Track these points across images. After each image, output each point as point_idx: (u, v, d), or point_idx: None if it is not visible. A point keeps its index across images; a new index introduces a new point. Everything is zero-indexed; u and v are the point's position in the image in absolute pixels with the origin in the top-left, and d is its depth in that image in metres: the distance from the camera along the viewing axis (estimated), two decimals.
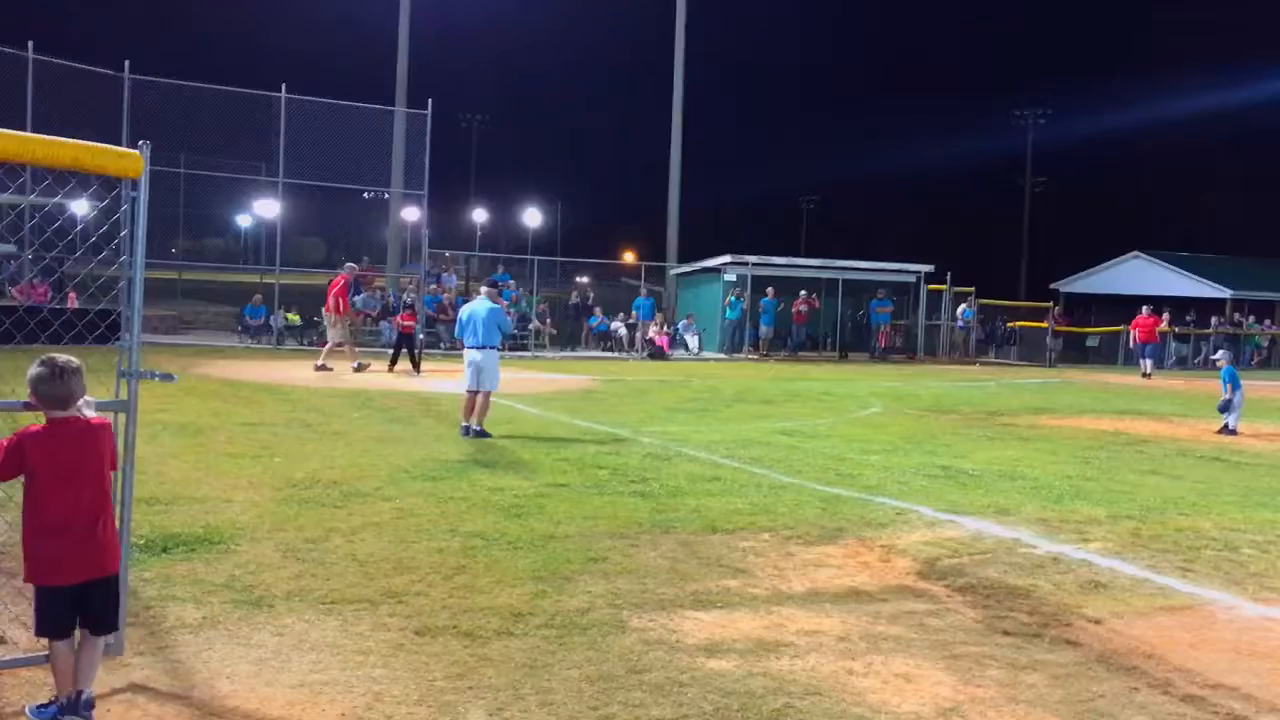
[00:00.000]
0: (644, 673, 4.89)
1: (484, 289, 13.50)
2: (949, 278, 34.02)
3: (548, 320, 31.08)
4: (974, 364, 32.32)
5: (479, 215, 75.92)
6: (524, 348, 28.69)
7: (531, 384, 19.28)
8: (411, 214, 35.84)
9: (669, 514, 8.36)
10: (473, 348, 12.55)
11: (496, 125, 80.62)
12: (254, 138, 27.75)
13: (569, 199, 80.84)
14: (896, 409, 17.43)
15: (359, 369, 19.61)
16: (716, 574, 6.69)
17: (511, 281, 31.02)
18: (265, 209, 33.74)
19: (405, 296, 27.24)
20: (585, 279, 42.44)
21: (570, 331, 31.95)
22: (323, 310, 21.58)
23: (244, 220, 46.18)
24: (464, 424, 12.30)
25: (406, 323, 21.53)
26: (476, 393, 12.33)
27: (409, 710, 4.38)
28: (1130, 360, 31.90)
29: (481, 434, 12.04)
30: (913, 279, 33.96)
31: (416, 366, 20.29)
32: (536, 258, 34.57)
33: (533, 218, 74.91)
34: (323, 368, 19.62)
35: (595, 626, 5.53)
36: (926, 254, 35.01)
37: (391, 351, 21.42)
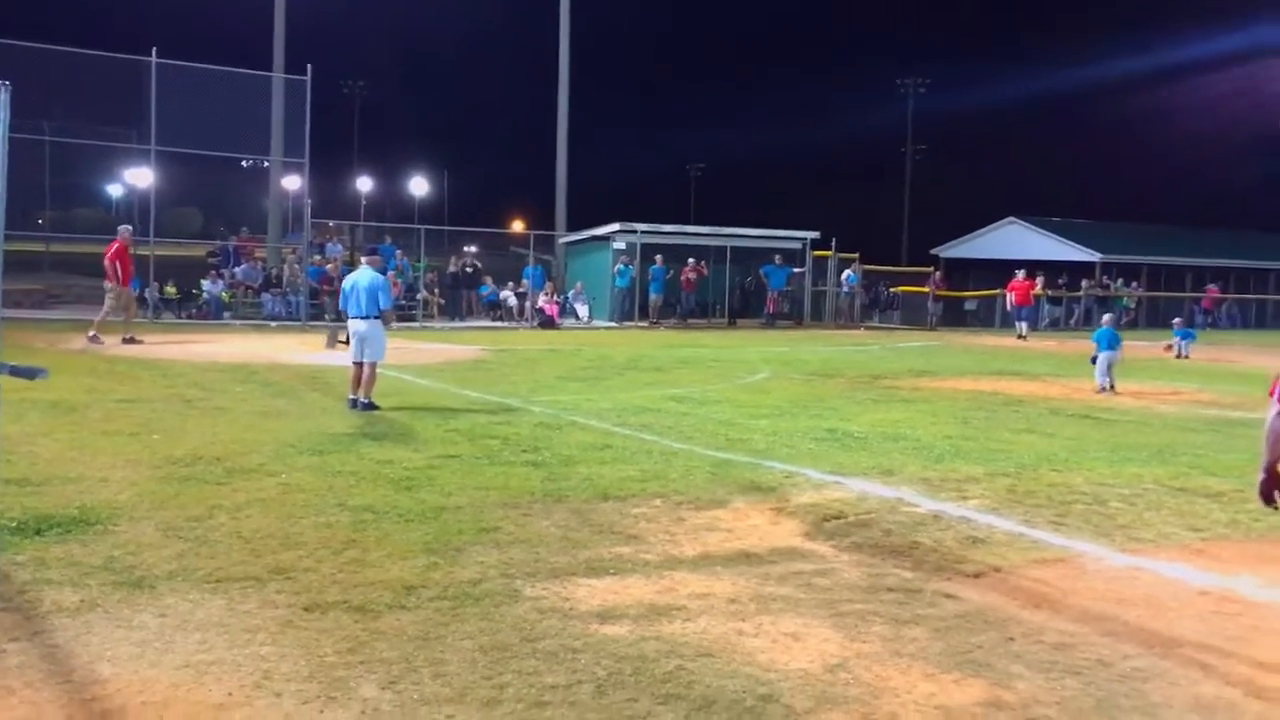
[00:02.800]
0: (537, 641, 4.91)
1: (365, 258, 13.25)
2: (834, 244, 34.59)
3: (436, 290, 30.72)
4: (859, 329, 33.00)
5: (364, 184, 74.45)
6: (412, 319, 28.31)
7: (420, 355, 19.05)
8: (293, 183, 34.95)
9: (561, 483, 8.38)
10: (356, 318, 12.33)
11: (380, 92, 78.99)
12: (124, 104, 26.68)
13: (456, 168, 79.82)
14: (784, 374, 17.72)
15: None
16: (609, 541, 6.74)
17: (399, 252, 30.55)
18: (138, 178, 32.54)
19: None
20: (474, 248, 42.00)
21: (459, 301, 31.62)
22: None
23: (115, 190, 44.47)
24: (351, 396, 12.11)
25: None
26: (363, 365, 12.13)
27: (299, 687, 4.33)
28: (1006, 323, 32.94)
29: (369, 406, 11.87)
30: (799, 246, 34.44)
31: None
32: (423, 227, 34.08)
33: (419, 186, 73.69)
34: (94, 339, 18.75)
35: (488, 597, 5.52)
36: (813, 221, 35.54)
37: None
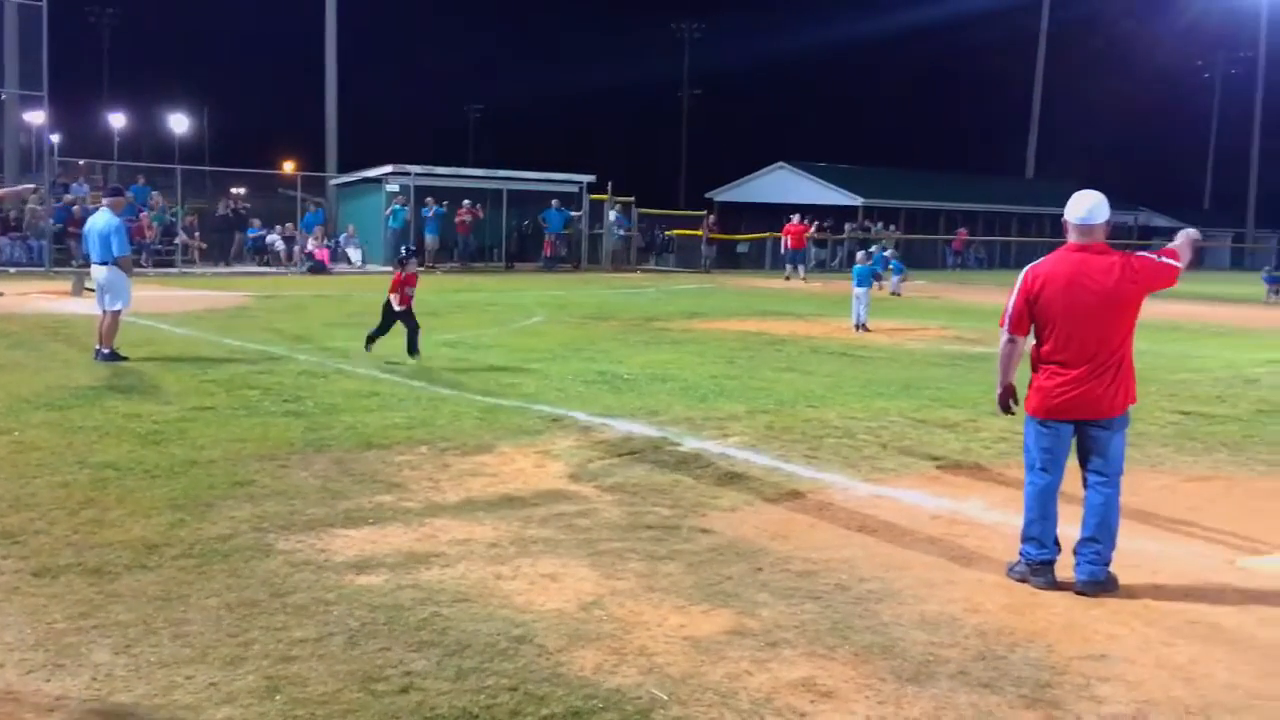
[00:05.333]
0: (288, 595, 4.79)
1: (105, 200, 12.41)
2: (610, 187, 34.82)
3: (196, 234, 29.16)
4: (635, 271, 33.45)
5: (117, 120, 69.56)
6: (171, 264, 26.81)
7: (178, 302, 18.10)
8: (36, 118, 32.24)
9: (323, 432, 8.17)
10: (97, 264, 11.57)
11: (131, 21, 73.57)
12: None
13: (219, 105, 75.42)
14: (559, 318, 17.79)
15: None
16: (370, 490, 6.62)
17: (154, 195, 28.76)
18: None
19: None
20: (241, 190, 40.02)
21: (223, 245, 30.14)
22: None
23: None
24: (97, 347, 11.38)
25: None
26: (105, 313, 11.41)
27: (23, 656, 4.07)
28: (777, 265, 34.12)
29: (114, 357, 11.19)
30: (576, 189, 34.51)
31: None
32: (183, 167, 32.23)
33: (179, 124, 69.53)
34: None
35: (237, 553, 5.34)
36: (592, 165, 35.63)
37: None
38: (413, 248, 13.47)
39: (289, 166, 50.69)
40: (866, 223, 42.07)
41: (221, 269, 28.26)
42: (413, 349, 12.04)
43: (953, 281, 31.35)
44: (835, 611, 4.86)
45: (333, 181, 34.30)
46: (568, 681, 4.02)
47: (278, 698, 3.80)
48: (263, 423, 8.46)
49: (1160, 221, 54.49)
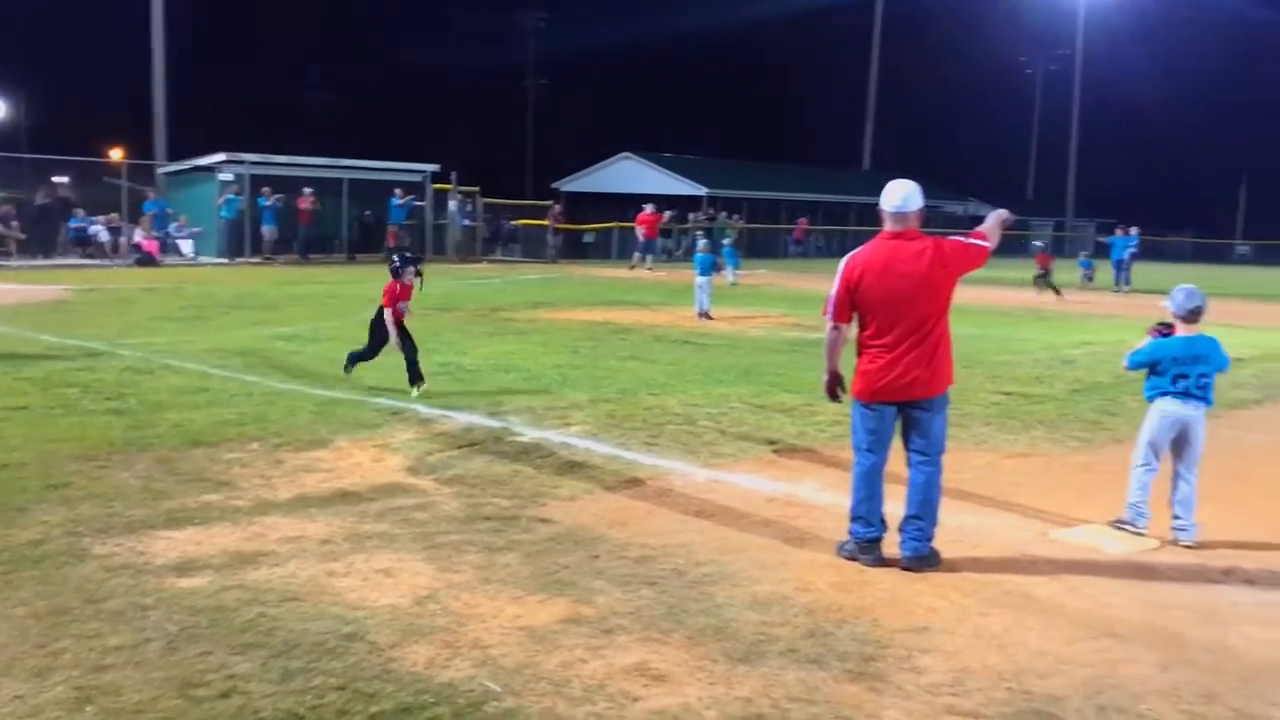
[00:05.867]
0: (103, 601, 4.57)
1: None
2: (453, 177, 34.35)
3: (14, 224, 27.52)
4: (481, 262, 33.13)
5: None
6: None
7: None
8: None
9: (146, 431, 7.83)
10: None
11: None
12: None
13: (39, 88, 71.32)
14: None
15: None
16: (196, 490, 6.38)
17: None
18: None
19: None
20: (64, 179, 37.97)
21: (44, 237, 28.54)
22: None
23: None
24: None
25: None
26: None
27: None
28: (623, 254, 34.28)
29: None
30: (419, 179, 33.92)
31: None
32: None
33: None
34: None
35: (49, 559, 5.07)
36: (437, 154, 35.03)
37: None
38: (408, 253, 10.95)
39: (116, 153, 48.32)
40: (711, 211, 42.63)
41: (41, 261, 26.77)
42: (414, 376, 9.81)
43: (794, 270, 32.10)
44: (670, 596, 4.91)
45: (162, 170, 32.85)
46: (398, 677, 3.95)
47: (88, 709, 3.63)
48: (81, 422, 8.06)
49: (987, 211, 56.78)
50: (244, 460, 7.15)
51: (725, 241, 28.06)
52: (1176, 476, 6.03)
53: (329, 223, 32.07)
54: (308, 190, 30.52)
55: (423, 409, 9.01)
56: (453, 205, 34.22)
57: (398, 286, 10.11)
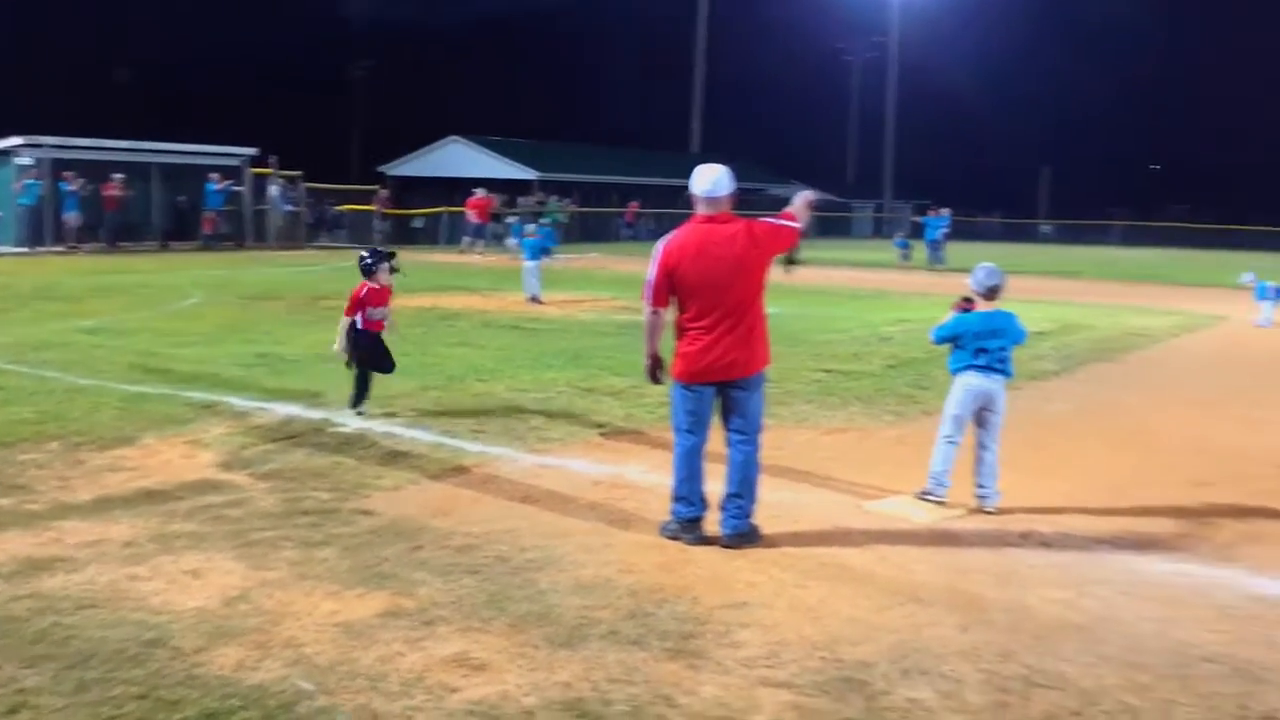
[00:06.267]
0: None
1: None
2: (274, 161, 33.19)
3: None
4: (304, 249, 32.16)
5: None
6: None
7: None
8: None
9: None
10: None
11: None
12: None
13: None
14: (219, 299, 16.82)
15: None
16: None
17: None
18: None
19: None
20: None
21: None
22: None
23: None
24: None
25: None
26: None
27: None
28: (452, 239, 33.80)
29: None
30: (237, 163, 32.65)
31: None
32: None
33: None
34: None
35: None
36: (256, 137, 33.72)
37: None
38: (381, 250, 9.06)
39: None
40: (542, 195, 42.46)
41: None
42: (359, 396, 8.35)
43: (625, 253, 32.27)
44: (493, 584, 4.87)
45: None
46: (204, 683, 3.80)
47: None
48: None
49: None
50: (40, 461, 6.76)
51: (544, 222, 27.77)
52: (980, 446, 6.32)
53: (139, 209, 30.56)
54: (116, 176, 28.98)
55: (237, 401, 8.70)
56: (274, 190, 33.08)
57: (366, 289, 8.40)
